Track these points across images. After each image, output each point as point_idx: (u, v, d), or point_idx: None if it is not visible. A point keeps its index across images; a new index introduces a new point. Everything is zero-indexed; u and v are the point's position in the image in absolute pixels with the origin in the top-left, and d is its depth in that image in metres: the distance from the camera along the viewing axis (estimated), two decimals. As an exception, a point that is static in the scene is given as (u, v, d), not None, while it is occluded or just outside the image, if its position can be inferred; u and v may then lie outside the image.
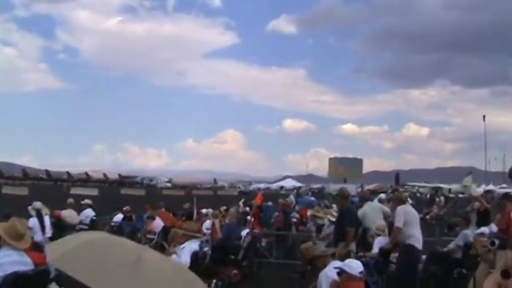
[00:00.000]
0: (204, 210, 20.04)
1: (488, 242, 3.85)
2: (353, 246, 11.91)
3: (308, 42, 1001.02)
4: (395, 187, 72.41)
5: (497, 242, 3.79)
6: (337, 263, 7.87)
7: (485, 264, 3.95)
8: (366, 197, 16.95)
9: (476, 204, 20.66)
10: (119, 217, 21.30)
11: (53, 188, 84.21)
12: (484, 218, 18.18)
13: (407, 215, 11.40)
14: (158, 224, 17.01)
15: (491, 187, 79.52)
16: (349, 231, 11.74)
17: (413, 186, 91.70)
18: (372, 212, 14.66)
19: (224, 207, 21.11)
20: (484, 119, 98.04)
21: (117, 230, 19.78)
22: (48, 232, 14.69)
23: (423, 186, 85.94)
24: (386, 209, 15.28)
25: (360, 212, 14.35)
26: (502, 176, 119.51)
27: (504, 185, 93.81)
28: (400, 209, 11.53)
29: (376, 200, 18.02)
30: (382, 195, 23.33)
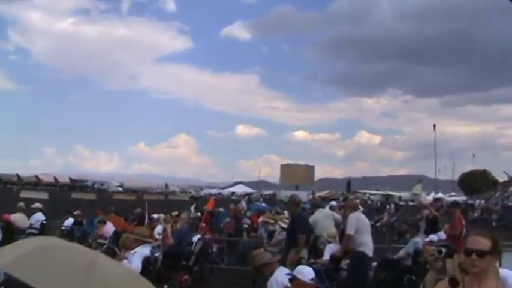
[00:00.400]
0: (155, 215, 19.89)
1: (435, 251, 3.88)
2: (304, 253, 11.92)
3: (262, 48, 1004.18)
4: (347, 194, 73.18)
5: (444, 250, 3.84)
6: (284, 270, 7.92)
7: (433, 272, 3.99)
8: (317, 203, 17.01)
9: (426, 211, 21.02)
10: (69, 221, 21.01)
11: (2, 191, 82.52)
12: (433, 226, 18.57)
13: (359, 223, 11.50)
14: (109, 228, 16.79)
15: (440, 195, 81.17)
16: (300, 238, 11.76)
17: (365, 193, 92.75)
18: (323, 219, 14.73)
19: (176, 213, 20.95)
20: (434, 128, 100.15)
21: (68, 235, 19.50)
22: (-3, 236, 14.42)
23: (374, 194, 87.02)
24: (338, 216, 15.43)
25: (311, 219, 14.40)
26: (451, 184, 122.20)
27: (453, 193, 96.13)
28: (352, 216, 11.61)
29: (327, 207, 18.15)
30: (333, 203, 23.60)
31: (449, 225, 15.47)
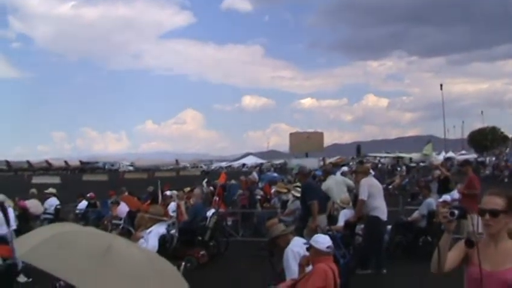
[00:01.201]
0: (168, 193, 19.92)
1: (448, 213, 3.84)
2: (323, 219, 11.98)
3: (264, 18, 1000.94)
4: (358, 159, 73.16)
5: (456, 212, 3.79)
6: (300, 240, 7.93)
7: (448, 234, 3.95)
8: (329, 170, 17.05)
9: (437, 172, 20.90)
10: (83, 204, 21.12)
11: (14, 179, 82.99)
12: (444, 186, 18.50)
13: (371, 188, 11.55)
14: (123, 209, 16.83)
15: (450, 154, 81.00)
16: (312, 205, 11.77)
17: (375, 157, 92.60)
18: (336, 186, 14.79)
19: (188, 188, 20.99)
20: (441, 88, 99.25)
21: (82, 218, 19.63)
22: (13, 224, 14.47)
23: (384, 157, 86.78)
24: (350, 182, 15.41)
25: (323, 186, 14.50)
26: (461, 142, 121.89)
27: (463, 152, 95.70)
28: (364, 181, 11.68)
29: (338, 173, 18.14)
30: (345, 168, 23.49)
31: (464, 184, 15.33)
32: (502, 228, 3.81)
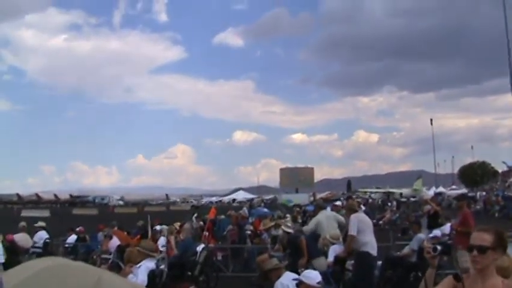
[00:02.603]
0: (158, 227, 19.87)
1: (431, 248, 3.93)
2: (323, 261, 12.03)
3: (256, 54, 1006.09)
4: (348, 194, 73.12)
5: (439, 248, 3.86)
6: (291, 275, 7.92)
7: (432, 269, 4.02)
8: (321, 205, 16.94)
9: (427, 207, 20.88)
10: (72, 238, 21.02)
11: (3, 212, 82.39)
12: (434, 220, 18.55)
13: (361, 223, 11.52)
14: (114, 243, 16.77)
15: (441, 189, 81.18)
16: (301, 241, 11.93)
17: (365, 192, 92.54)
18: (327, 221, 14.62)
19: (178, 223, 20.94)
20: (431, 123, 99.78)
21: (72, 252, 19.52)
22: (1, 258, 14.36)
23: (375, 192, 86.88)
24: (341, 217, 15.25)
25: (313, 221, 14.49)
26: (452, 177, 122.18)
27: (454, 187, 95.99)
28: (354, 217, 11.64)
29: (329, 209, 18.12)
30: (339, 203, 23.41)
31: (458, 220, 15.25)
32: (490, 264, 3.84)
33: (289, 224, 15.75)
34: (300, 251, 11.94)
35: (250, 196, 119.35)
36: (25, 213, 62.60)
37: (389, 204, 54.95)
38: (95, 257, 16.55)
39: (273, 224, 18.88)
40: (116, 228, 19.93)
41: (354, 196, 68.31)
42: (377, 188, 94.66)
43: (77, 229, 21.88)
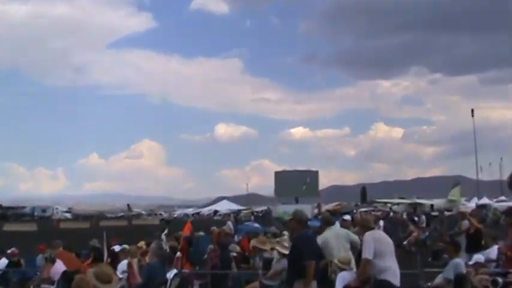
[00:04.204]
0: (117, 247, 19.90)
1: (489, 281, 3.99)
2: (314, 285, 11.76)
3: (244, 24, 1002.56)
4: (363, 205, 73.20)
5: (500, 281, 3.94)
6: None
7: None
8: (328, 219, 16.75)
9: (466, 223, 20.78)
10: (2, 263, 20.92)
11: None
12: (476, 241, 18.50)
13: (379, 244, 11.43)
14: (58, 268, 16.76)
15: (485, 201, 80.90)
16: (309, 266, 11.47)
17: (385, 203, 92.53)
18: (336, 240, 14.49)
19: (144, 242, 20.96)
20: (472, 114, 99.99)
21: (1, 281, 19.49)
22: None
23: (398, 203, 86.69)
24: (355, 236, 15.01)
25: (319, 240, 14.16)
26: (499, 185, 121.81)
27: (502, 198, 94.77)
28: (369, 236, 11.61)
29: (338, 224, 18.06)
30: (347, 217, 23.30)
31: (509, 241, 15.22)
32: None
33: (286, 244, 15.67)
34: (303, 276, 11.80)
35: (236, 207, 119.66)
36: None
37: (416, 219, 54.78)
38: (31, 287, 16.59)
39: (267, 247, 18.66)
40: (61, 249, 19.90)
41: (370, 208, 68.34)
42: (400, 198, 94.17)
43: (9, 251, 21.77)
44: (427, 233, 38.32)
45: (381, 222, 21.02)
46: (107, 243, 19.93)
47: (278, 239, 18.56)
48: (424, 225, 45.72)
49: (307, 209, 60.37)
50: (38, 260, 19.41)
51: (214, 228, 25.37)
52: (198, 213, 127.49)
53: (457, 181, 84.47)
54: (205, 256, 20.90)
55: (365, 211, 70.84)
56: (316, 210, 61.11)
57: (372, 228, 12.37)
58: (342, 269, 13.32)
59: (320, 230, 15.67)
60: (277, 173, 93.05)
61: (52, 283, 15.92)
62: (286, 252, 14.13)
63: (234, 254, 20.78)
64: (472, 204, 68.60)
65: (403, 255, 16.65)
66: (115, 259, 18.14)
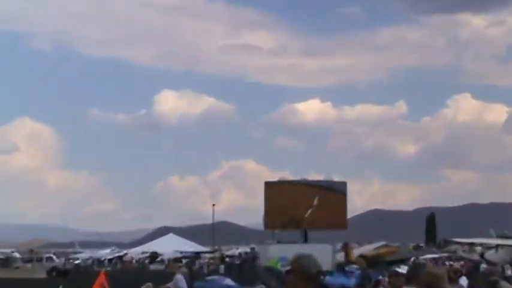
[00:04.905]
0: None
1: None
2: None
3: None
4: (429, 248, 65.63)
5: None
6: None
7: None
8: (368, 276, 13.36)
9: None
10: None
11: None
12: None
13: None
14: None
15: None
16: None
17: (471, 244, 76.70)
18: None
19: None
20: None
21: None
22: None
23: (496, 246, 65.33)
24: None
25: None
26: None
27: None
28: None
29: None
30: (402, 268, 17.06)
31: None
32: None
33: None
34: None
35: (192, 247, 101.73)
36: None
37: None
38: None
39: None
40: None
41: (443, 254, 60.28)
42: (502, 236, 71.03)
43: None
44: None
45: (463, 281, 17.49)
46: None
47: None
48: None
49: (324, 253, 49.40)
50: None
51: (149, 285, 20.54)
52: (121, 257, 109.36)
53: None
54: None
55: (433, 259, 61.29)
56: (341, 256, 50.26)
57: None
58: None
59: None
60: (269, 186, 70.93)
61: None
62: None
63: None
64: None
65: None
66: None
